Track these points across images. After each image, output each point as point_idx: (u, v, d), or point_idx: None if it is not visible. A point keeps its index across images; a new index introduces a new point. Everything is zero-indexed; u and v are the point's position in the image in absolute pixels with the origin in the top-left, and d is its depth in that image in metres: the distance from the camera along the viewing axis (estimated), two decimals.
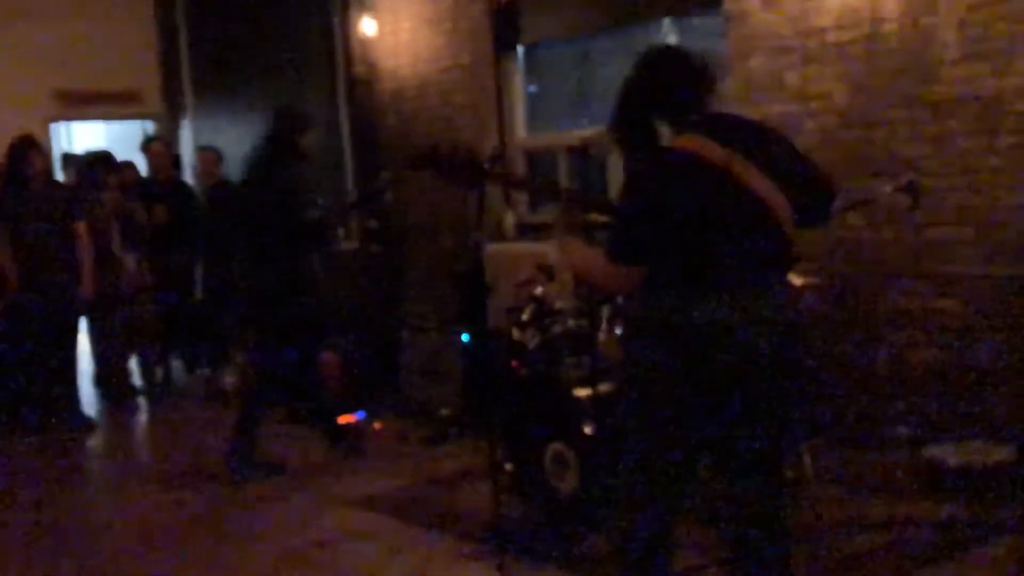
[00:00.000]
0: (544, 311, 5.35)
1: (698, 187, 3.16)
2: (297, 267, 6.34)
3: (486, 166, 4.10)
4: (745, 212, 3.16)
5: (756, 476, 3.28)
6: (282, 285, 6.29)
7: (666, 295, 3.17)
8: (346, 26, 9.20)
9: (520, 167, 8.12)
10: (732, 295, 3.13)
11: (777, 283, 3.25)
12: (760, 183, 3.16)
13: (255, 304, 6.48)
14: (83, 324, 8.53)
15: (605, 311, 4.97)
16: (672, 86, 3.31)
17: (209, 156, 9.61)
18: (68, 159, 10.27)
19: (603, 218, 3.76)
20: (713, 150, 3.17)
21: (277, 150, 6.34)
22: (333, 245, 7.17)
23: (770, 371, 3.16)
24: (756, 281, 3.17)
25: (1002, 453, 5.08)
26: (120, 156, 9.36)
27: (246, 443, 6.38)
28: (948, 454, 5.12)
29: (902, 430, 5.57)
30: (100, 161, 8.82)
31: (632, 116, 3.38)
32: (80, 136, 12.82)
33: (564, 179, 7.79)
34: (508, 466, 5.11)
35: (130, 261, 8.46)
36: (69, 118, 11.88)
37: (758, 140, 3.28)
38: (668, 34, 7.10)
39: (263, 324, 6.49)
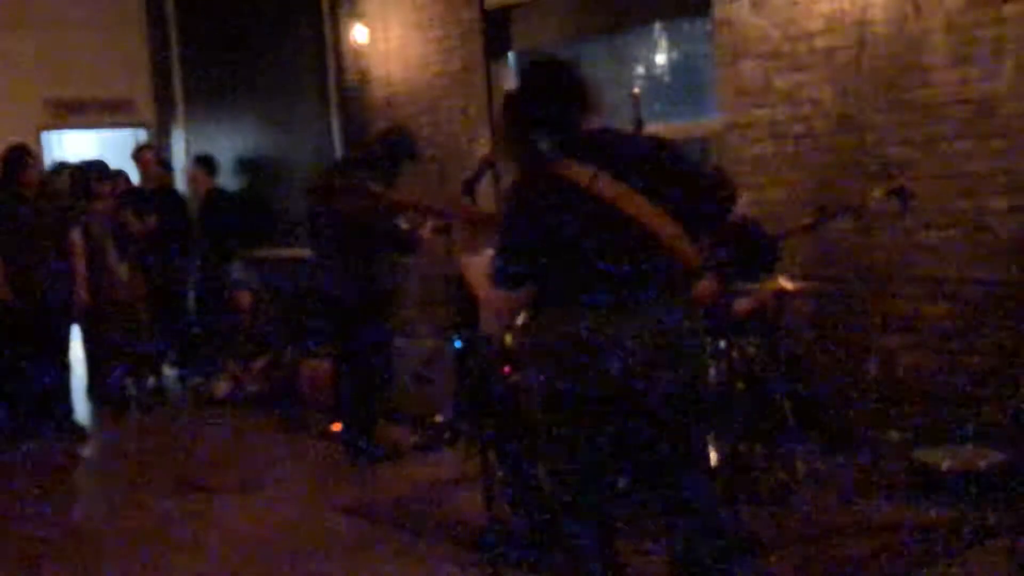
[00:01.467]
0: None
1: (566, 211, 3.19)
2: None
3: (379, 191, 4.08)
4: (615, 232, 3.18)
5: (663, 485, 3.34)
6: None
7: (545, 317, 3.26)
8: (337, 33, 9.20)
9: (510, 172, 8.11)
10: (604, 315, 3.17)
11: (654, 299, 3.24)
12: (630, 202, 3.17)
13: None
14: (76, 332, 8.52)
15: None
16: (544, 102, 3.30)
17: (201, 164, 9.62)
18: (61, 167, 10.24)
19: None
20: (579, 173, 3.19)
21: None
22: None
23: (652, 386, 3.20)
24: (629, 299, 3.20)
25: (993, 457, 5.08)
26: (112, 164, 9.36)
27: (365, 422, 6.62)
28: (940, 458, 5.13)
29: (893, 434, 5.58)
30: (94, 170, 8.82)
31: (511, 132, 3.40)
32: (71, 144, 12.79)
33: None
34: (501, 473, 5.10)
35: (123, 270, 8.45)
36: (61, 126, 11.85)
37: (634, 157, 3.27)
38: (657, 39, 7.11)
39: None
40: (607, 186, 3.17)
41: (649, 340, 3.18)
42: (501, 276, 3.31)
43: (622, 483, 3.74)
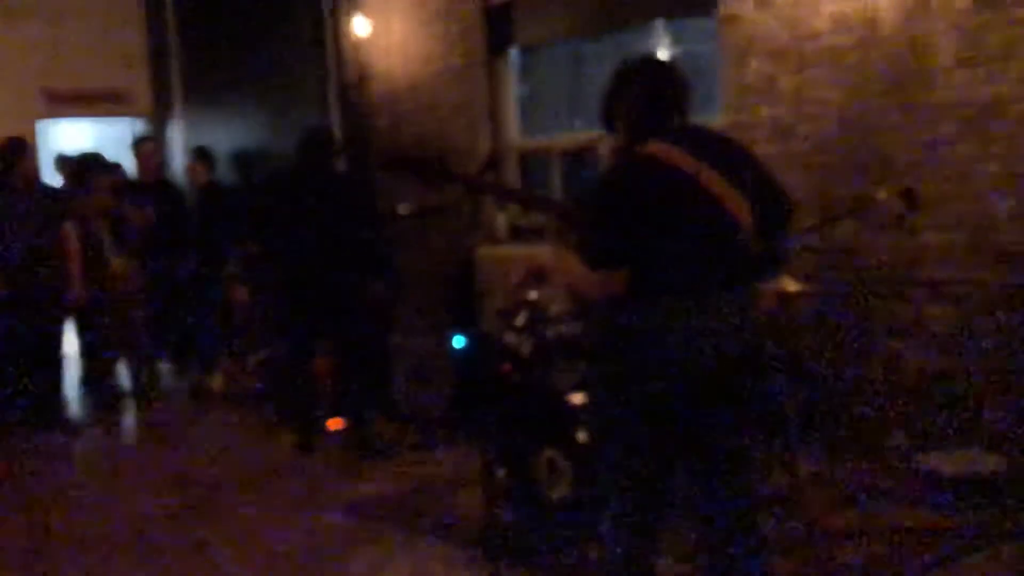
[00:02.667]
0: (538, 316, 5.31)
1: (669, 192, 3.23)
2: None
3: (455, 171, 4.08)
4: (712, 220, 3.22)
5: (727, 482, 3.31)
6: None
7: (639, 301, 3.21)
8: (338, 27, 9.16)
9: (512, 169, 8.09)
10: (702, 301, 3.20)
11: (742, 290, 3.30)
12: (726, 193, 3.23)
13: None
14: (71, 325, 8.48)
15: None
16: (648, 96, 3.38)
17: (199, 157, 9.57)
18: (62, 161, 10.20)
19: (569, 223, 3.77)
20: (683, 157, 3.24)
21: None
22: None
23: (739, 376, 3.24)
24: (723, 288, 3.23)
25: (997, 462, 5.07)
26: (108, 156, 9.30)
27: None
28: (943, 463, 5.11)
29: (896, 437, 5.55)
30: (91, 162, 8.77)
31: (609, 123, 3.46)
32: (68, 136, 12.76)
33: (557, 181, 7.77)
34: (500, 472, 5.07)
35: (121, 263, 8.40)
36: (57, 117, 11.81)
37: (723, 152, 3.35)
38: (661, 37, 7.07)
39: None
40: (709, 177, 3.22)
41: (747, 326, 3.24)
42: (601, 256, 3.26)
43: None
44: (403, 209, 6.89)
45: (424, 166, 4.00)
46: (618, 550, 3.37)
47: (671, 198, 3.22)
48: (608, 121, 3.48)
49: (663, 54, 7.07)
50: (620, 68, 3.50)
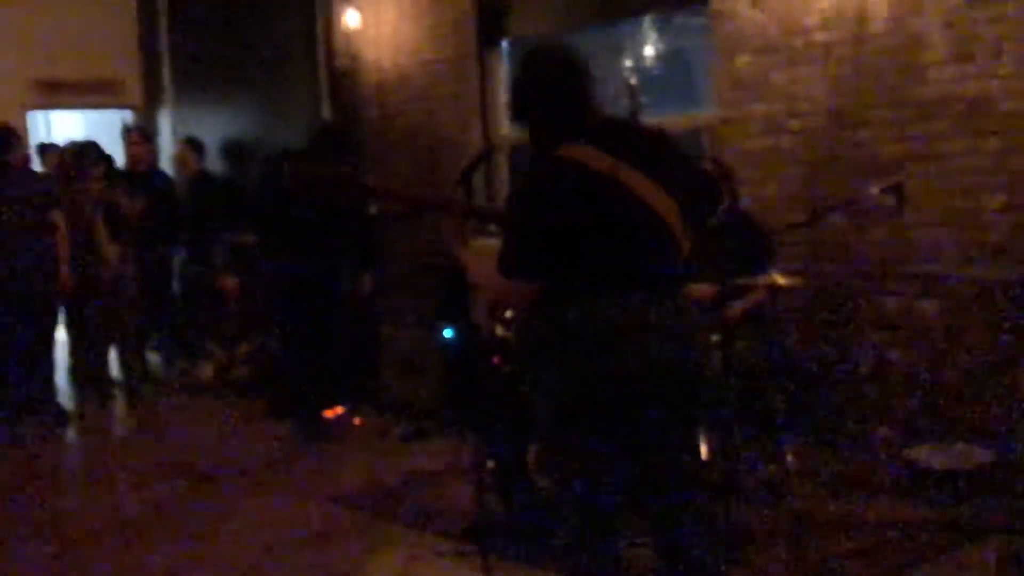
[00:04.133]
0: None
1: (584, 196, 3.11)
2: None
3: (370, 184, 4.01)
4: (634, 220, 3.12)
5: (668, 481, 3.23)
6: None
7: (561, 307, 3.12)
8: (329, 17, 9.14)
9: (502, 163, 8.09)
10: (627, 303, 3.09)
11: (671, 289, 3.20)
12: (647, 190, 3.13)
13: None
14: (61, 314, 8.45)
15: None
16: (555, 88, 3.24)
17: (188, 147, 9.55)
18: (45, 149, 10.16)
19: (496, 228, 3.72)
20: (598, 158, 3.12)
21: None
22: None
23: (670, 378, 3.12)
24: (650, 288, 3.13)
25: (983, 455, 5.09)
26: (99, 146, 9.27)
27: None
28: (930, 456, 5.13)
29: (884, 431, 5.58)
30: (87, 151, 8.73)
31: (522, 117, 3.32)
32: (58, 125, 12.71)
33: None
34: (490, 463, 5.08)
35: (114, 251, 8.38)
36: (47, 106, 11.76)
37: (643, 146, 3.24)
38: (653, 31, 7.08)
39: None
40: (627, 174, 3.12)
41: (672, 328, 3.12)
42: (516, 265, 3.17)
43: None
44: (374, 209, 7.00)
45: (333, 184, 3.92)
46: (580, 539, 3.27)
47: (589, 201, 3.10)
48: (519, 119, 3.33)
49: (649, 48, 7.09)
50: (524, 61, 3.34)
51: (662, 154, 3.24)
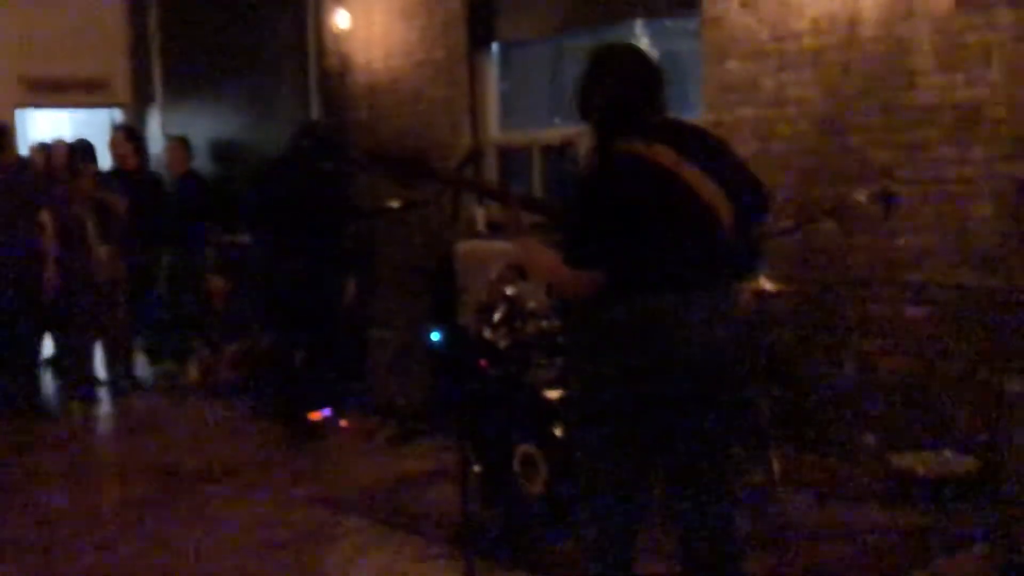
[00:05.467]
0: (516, 311, 5.31)
1: (650, 189, 3.17)
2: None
3: (435, 166, 4.05)
4: (694, 217, 3.18)
5: (705, 484, 3.27)
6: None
7: (620, 300, 3.17)
8: (319, 18, 9.13)
9: (492, 164, 8.08)
10: (685, 299, 3.14)
11: (726, 287, 3.28)
12: (707, 189, 3.19)
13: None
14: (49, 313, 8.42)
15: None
16: (624, 83, 3.30)
17: (177, 146, 9.52)
18: (35, 148, 10.12)
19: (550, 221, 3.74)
20: (662, 154, 3.18)
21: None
22: None
23: (724, 373, 3.19)
24: (707, 285, 3.19)
25: (969, 463, 5.09)
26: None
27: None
28: (916, 463, 5.13)
29: (870, 438, 5.58)
30: (79, 150, 8.70)
31: (584, 111, 3.37)
32: (47, 124, 12.67)
33: (537, 177, 7.77)
34: (476, 467, 5.07)
35: (104, 251, 8.35)
36: (37, 105, 11.72)
37: (702, 146, 3.30)
38: (642, 35, 7.07)
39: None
40: (690, 172, 3.17)
41: (721, 324, 3.18)
42: (582, 255, 3.21)
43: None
44: (391, 203, 6.93)
45: (404, 162, 3.97)
46: (596, 548, 3.33)
47: (653, 196, 3.17)
48: (585, 113, 3.38)
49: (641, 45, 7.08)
50: (596, 57, 3.40)
51: (721, 156, 3.31)
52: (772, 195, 3.49)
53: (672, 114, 3.41)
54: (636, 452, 3.25)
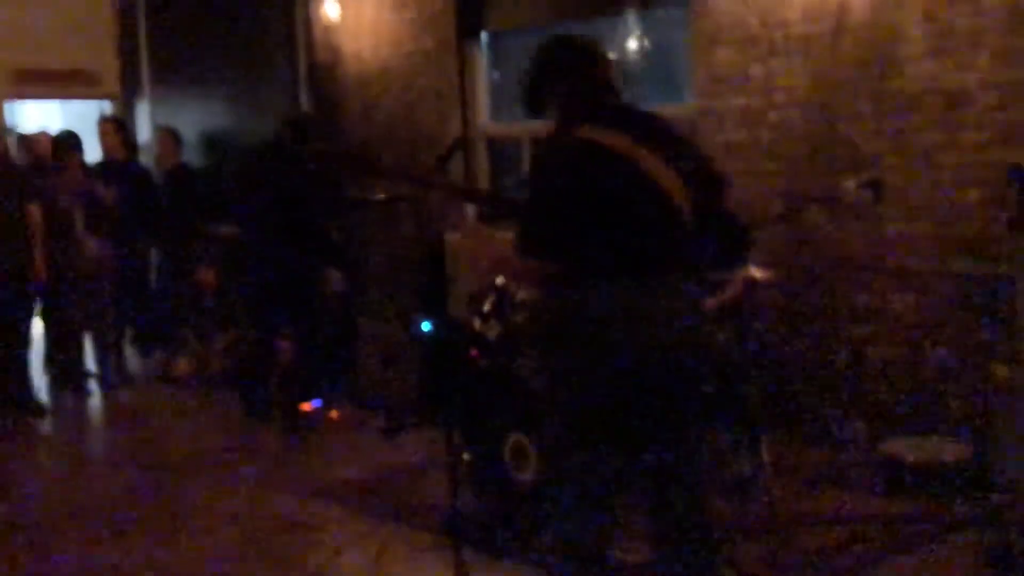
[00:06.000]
0: (506, 302, 5.30)
1: (604, 176, 3.14)
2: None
3: (382, 164, 4.03)
4: (652, 204, 3.15)
5: (673, 472, 3.25)
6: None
7: (577, 288, 3.13)
8: (308, 9, 9.09)
9: (482, 154, 8.07)
10: (644, 286, 3.11)
11: (684, 274, 3.23)
12: (663, 174, 3.16)
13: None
14: (37, 306, 8.39)
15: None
16: (573, 71, 3.30)
17: (167, 138, 9.48)
18: (23, 140, 10.08)
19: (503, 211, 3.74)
20: (617, 140, 3.15)
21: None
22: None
23: (682, 362, 3.16)
24: (665, 273, 3.16)
25: (959, 450, 5.10)
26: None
27: None
28: (906, 451, 5.13)
29: (859, 426, 5.58)
30: (64, 141, 8.66)
31: (535, 106, 3.37)
32: (35, 115, 12.61)
33: (526, 167, 7.75)
34: (466, 457, 5.07)
35: (92, 243, 8.32)
36: (25, 97, 11.67)
37: (658, 132, 3.27)
38: (632, 23, 7.06)
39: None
40: (644, 157, 3.14)
41: (685, 313, 3.16)
42: (534, 244, 3.17)
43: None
44: (378, 195, 6.95)
45: (350, 160, 3.93)
46: (571, 534, 3.30)
47: (607, 183, 3.13)
48: (533, 106, 3.36)
49: (629, 41, 7.07)
50: (545, 49, 3.38)
51: (675, 141, 3.29)
52: (729, 181, 3.46)
53: (627, 100, 3.39)
54: (602, 440, 3.21)
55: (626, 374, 3.11)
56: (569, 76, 3.29)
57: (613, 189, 3.13)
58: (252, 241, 6.98)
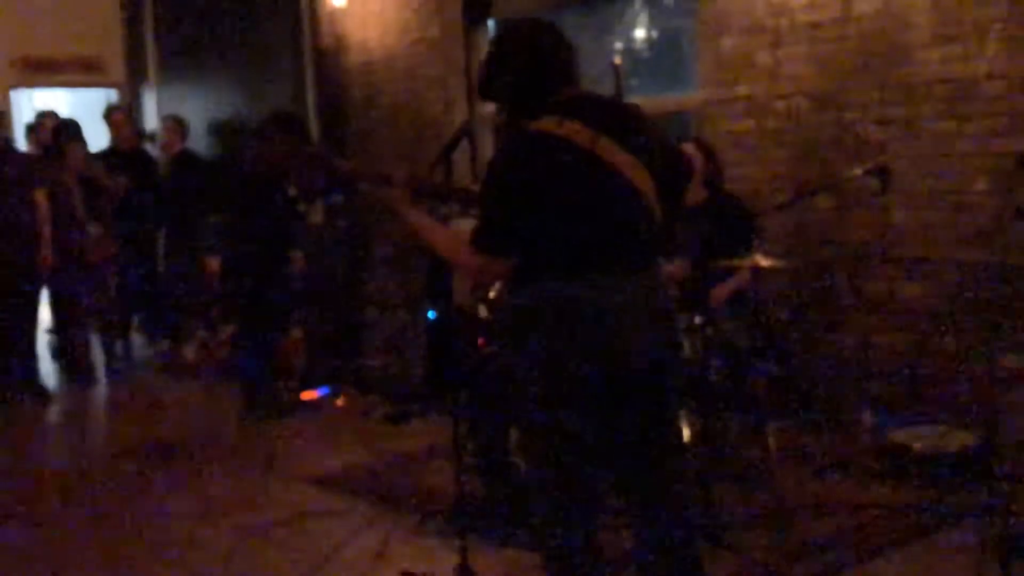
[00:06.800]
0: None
1: (563, 169, 3.03)
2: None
3: (337, 164, 3.96)
4: (613, 194, 3.04)
5: (643, 470, 3.16)
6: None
7: (538, 284, 3.03)
8: None
9: (487, 141, 8.05)
10: (608, 280, 3.01)
11: (650, 266, 3.13)
12: (625, 164, 3.06)
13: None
14: (44, 294, 8.41)
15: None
16: (528, 61, 3.15)
17: (172, 125, 9.49)
18: (31, 128, 10.09)
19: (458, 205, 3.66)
20: (577, 131, 3.04)
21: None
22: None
23: (650, 356, 3.05)
24: (630, 265, 3.06)
25: (966, 439, 5.08)
26: (82, 125, 9.20)
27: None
28: (913, 439, 5.13)
29: (867, 414, 5.57)
30: (65, 129, 8.67)
31: (490, 96, 3.26)
32: (42, 103, 12.62)
33: None
34: (471, 445, 5.06)
35: (94, 230, 8.33)
36: (31, 85, 11.68)
37: (620, 120, 3.15)
38: (639, 11, 7.04)
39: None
40: (605, 147, 3.04)
41: (644, 308, 3.04)
42: (488, 241, 3.08)
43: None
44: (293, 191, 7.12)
45: (310, 160, 3.87)
46: (551, 530, 3.19)
47: (568, 176, 3.02)
48: (489, 94, 3.24)
49: (634, 29, 7.05)
50: (500, 35, 3.26)
51: (639, 129, 3.16)
52: (693, 167, 3.37)
53: (586, 88, 3.27)
54: (572, 440, 3.09)
55: (584, 370, 3.01)
56: (519, 65, 3.15)
57: (572, 182, 3.02)
58: (231, 226, 7.07)
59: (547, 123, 3.07)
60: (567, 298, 3.01)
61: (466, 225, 3.48)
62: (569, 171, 3.03)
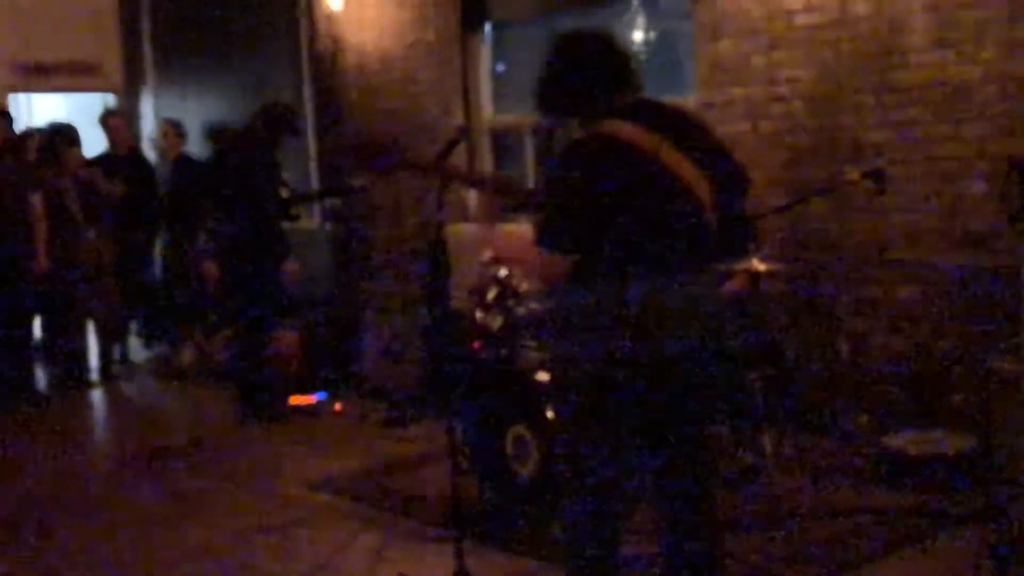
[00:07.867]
0: (507, 293, 5.29)
1: (627, 172, 3.13)
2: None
3: (407, 155, 4.00)
4: (674, 199, 3.14)
5: (684, 468, 3.27)
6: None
7: (598, 283, 3.13)
8: (311, 0, 9.08)
9: (485, 145, 8.05)
10: (666, 282, 3.11)
11: (705, 270, 3.24)
12: (686, 170, 3.15)
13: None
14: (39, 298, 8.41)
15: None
16: (596, 66, 3.28)
17: (170, 130, 9.49)
18: (28, 132, 10.09)
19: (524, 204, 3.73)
20: (641, 135, 3.14)
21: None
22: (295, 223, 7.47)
23: (701, 359, 3.17)
24: (686, 267, 3.16)
25: (963, 443, 5.08)
26: (80, 129, 9.20)
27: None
28: (909, 443, 5.12)
29: (862, 418, 5.57)
30: (62, 133, 8.67)
31: (554, 103, 3.35)
32: (40, 107, 12.62)
33: (529, 158, 7.74)
34: (468, 449, 5.06)
35: (91, 235, 8.33)
36: (28, 90, 11.68)
37: (682, 127, 3.26)
38: (635, 14, 7.04)
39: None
40: (668, 153, 3.13)
41: (696, 310, 3.15)
42: (555, 238, 3.16)
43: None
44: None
45: (383, 154, 3.92)
46: (579, 531, 3.30)
47: (632, 178, 3.13)
48: (549, 102, 3.34)
49: (631, 31, 7.05)
50: (562, 45, 3.36)
51: (699, 136, 3.27)
52: (749, 178, 3.45)
53: (648, 95, 3.36)
54: (614, 436, 3.22)
55: (648, 368, 3.11)
56: (585, 70, 3.26)
57: (635, 185, 3.12)
58: (224, 231, 7.07)
59: (613, 126, 3.16)
60: (624, 297, 3.09)
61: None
62: (632, 172, 3.13)
